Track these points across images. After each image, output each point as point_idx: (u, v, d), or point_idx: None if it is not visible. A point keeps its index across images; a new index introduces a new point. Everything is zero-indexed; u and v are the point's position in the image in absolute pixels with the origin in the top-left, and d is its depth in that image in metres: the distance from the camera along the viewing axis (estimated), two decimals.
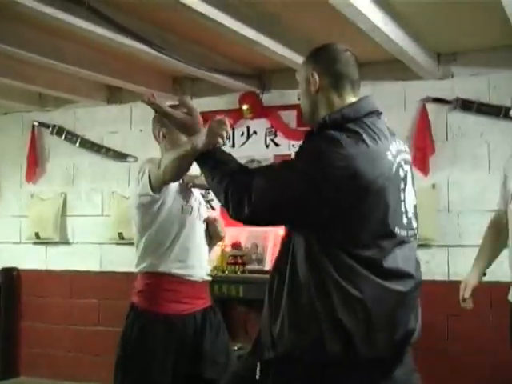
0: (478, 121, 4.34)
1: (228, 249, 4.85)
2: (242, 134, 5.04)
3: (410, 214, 1.85)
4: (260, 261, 4.81)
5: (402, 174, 1.83)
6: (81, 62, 4.19)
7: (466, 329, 4.23)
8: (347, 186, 1.69)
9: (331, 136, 1.75)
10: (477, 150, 4.35)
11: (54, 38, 3.88)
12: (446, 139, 4.44)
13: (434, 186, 4.40)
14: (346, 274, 1.73)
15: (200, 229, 2.76)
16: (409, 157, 1.93)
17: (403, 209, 1.82)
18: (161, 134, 2.71)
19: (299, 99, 2.00)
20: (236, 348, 4.32)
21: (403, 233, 1.81)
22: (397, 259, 1.78)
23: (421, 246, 4.25)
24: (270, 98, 4.93)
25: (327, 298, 1.73)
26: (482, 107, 4.30)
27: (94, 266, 5.33)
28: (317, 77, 1.92)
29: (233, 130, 5.04)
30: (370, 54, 4.28)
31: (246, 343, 4.62)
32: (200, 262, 2.71)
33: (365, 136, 1.75)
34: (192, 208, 2.72)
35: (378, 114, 1.89)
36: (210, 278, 2.81)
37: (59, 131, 5.58)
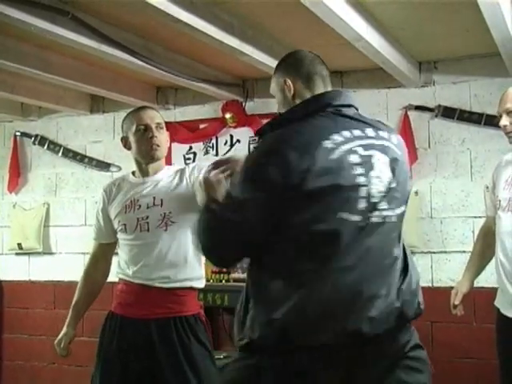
0: (460, 128, 4.39)
1: None
2: (226, 143, 5.04)
3: (377, 199, 1.86)
4: (245, 269, 4.80)
5: (353, 159, 1.84)
6: (64, 72, 4.16)
7: (450, 335, 4.27)
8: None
9: None
10: (459, 158, 4.39)
11: (37, 47, 3.86)
12: (429, 147, 4.48)
13: (416, 193, 4.42)
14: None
15: (163, 239, 2.69)
16: (383, 143, 1.93)
17: (363, 194, 1.84)
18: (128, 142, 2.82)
19: (280, 113, 2.06)
20: (222, 357, 4.32)
21: (356, 218, 1.82)
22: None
23: None
24: (253, 106, 4.95)
25: None
26: (463, 115, 4.35)
27: (78, 277, 5.13)
28: (290, 83, 2.01)
29: (216, 138, 5.06)
30: (352, 63, 4.34)
31: (232, 352, 4.62)
32: (157, 269, 2.67)
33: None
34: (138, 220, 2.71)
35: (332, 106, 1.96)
36: (171, 285, 2.69)
37: (42, 141, 5.55)
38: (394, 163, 1.91)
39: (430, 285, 4.38)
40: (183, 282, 2.71)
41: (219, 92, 4.70)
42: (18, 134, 5.64)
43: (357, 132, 1.91)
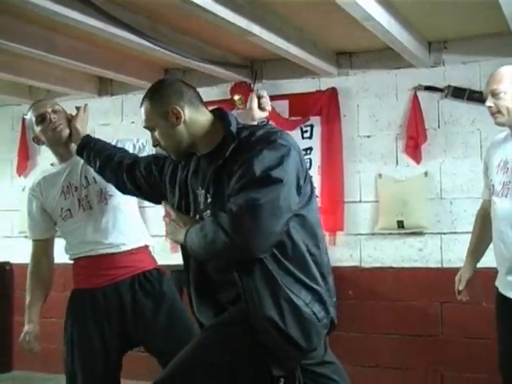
0: (470, 108, 4.36)
1: None
2: None
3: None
4: None
5: None
6: (72, 54, 4.15)
7: (460, 315, 4.26)
8: None
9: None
10: (468, 138, 4.37)
11: (44, 29, 3.85)
12: (438, 127, 4.45)
13: (426, 173, 4.41)
14: None
15: (107, 211, 2.78)
16: None
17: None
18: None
19: (157, 145, 2.17)
20: None
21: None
22: None
23: (414, 233, 4.37)
24: (261, 87, 4.90)
25: None
26: (473, 95, 4.31)
27: None
28: (179, 109, 2.06)
29: None
30: (361, 43, 4.31)
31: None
32: (110, 240, 2.76)
33: None
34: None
35: None
36: (127, 247, 2.79)
37: None
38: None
39: (440, 265, 4.37)
40: (137, 243, 2.84)
41: (227, 73, 4.68)
42: (26, 117, 5.62)
43: None
